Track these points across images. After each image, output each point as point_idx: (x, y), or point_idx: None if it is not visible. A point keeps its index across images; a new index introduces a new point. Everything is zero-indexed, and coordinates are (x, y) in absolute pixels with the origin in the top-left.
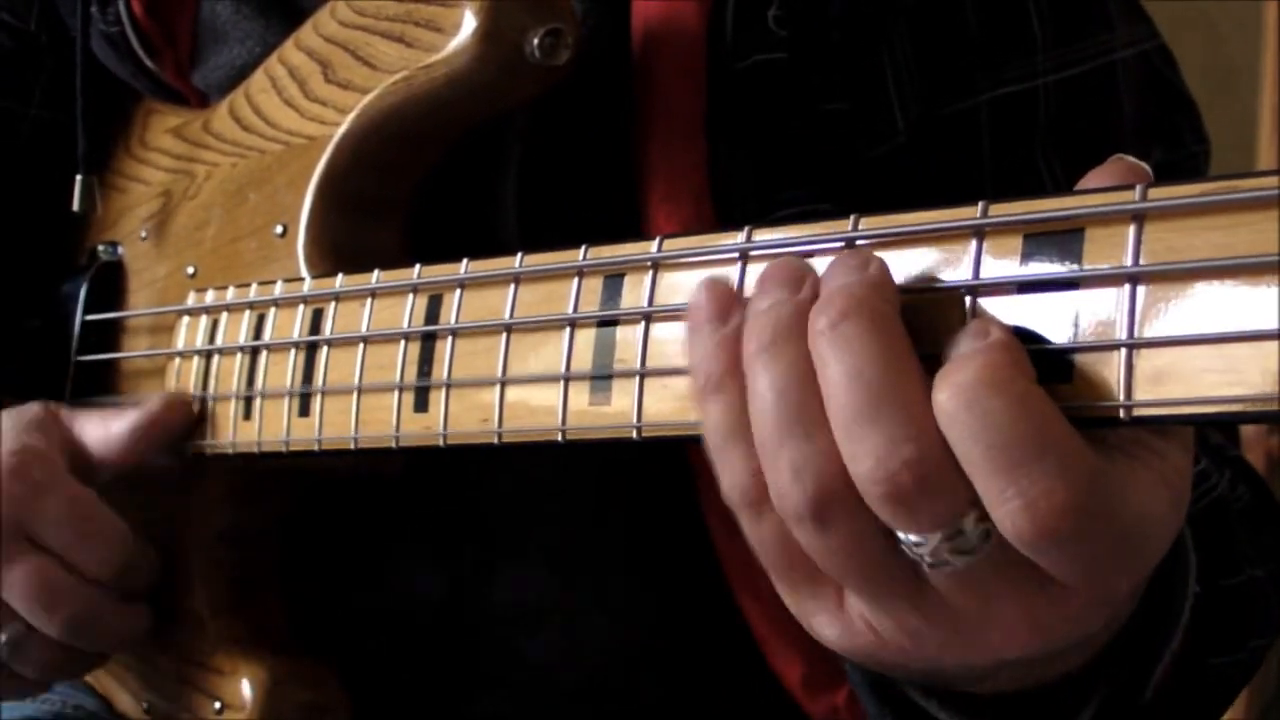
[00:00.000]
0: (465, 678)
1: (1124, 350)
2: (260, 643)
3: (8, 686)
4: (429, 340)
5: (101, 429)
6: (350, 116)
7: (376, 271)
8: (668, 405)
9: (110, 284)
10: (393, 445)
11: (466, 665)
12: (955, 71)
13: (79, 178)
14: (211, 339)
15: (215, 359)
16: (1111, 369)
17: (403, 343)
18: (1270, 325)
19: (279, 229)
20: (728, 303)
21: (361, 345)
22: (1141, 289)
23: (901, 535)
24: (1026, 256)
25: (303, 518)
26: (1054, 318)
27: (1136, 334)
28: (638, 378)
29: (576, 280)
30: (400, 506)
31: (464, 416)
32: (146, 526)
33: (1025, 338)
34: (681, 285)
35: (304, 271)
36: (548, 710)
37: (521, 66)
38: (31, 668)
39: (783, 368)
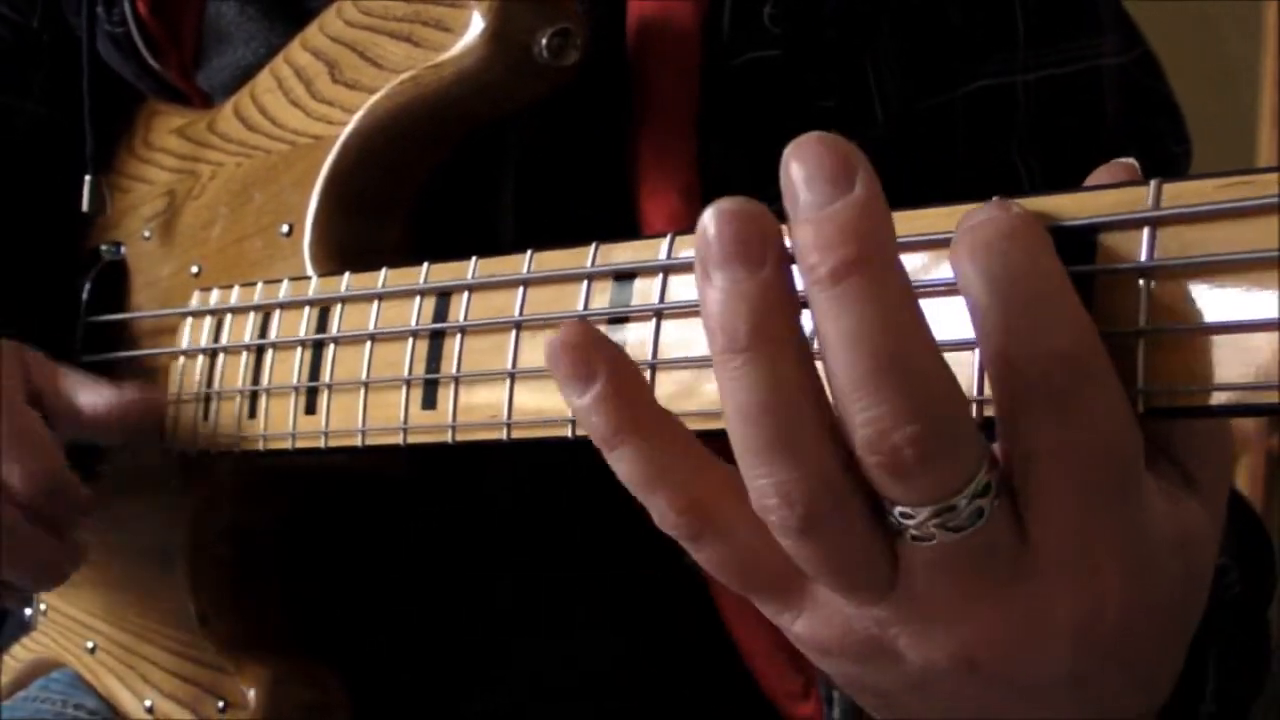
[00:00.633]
0: (464, 678)
1: (1140, 339)
2: (262, 642)
3: None
4: (437, 338)
5: (80, 389)
6: (357, 116)
7: (384, 271)
8: (678, 400)
9: (113, 284)
10: (400, 441)
11: (465, 665)
12: (937, 66)
13: (88, 178)
14: (217, 337)
15: (220, 357)
16: (1128, 355)
17: (411, 340)
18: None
19: (285, 228)
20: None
21: (369, 343)
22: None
23: (888, 507)
24: None
25: (303, 517)
26: None
27: (1151, 323)
28: (649, 372)
29: (586, 281)
30: (400, 507)
31: (473, 412)
32: (146, 526)
33: None
34: (691, 284)
35: (310, 270)
36: (545, 711)
37: (530, 67)
38: None
39: (752, 391)
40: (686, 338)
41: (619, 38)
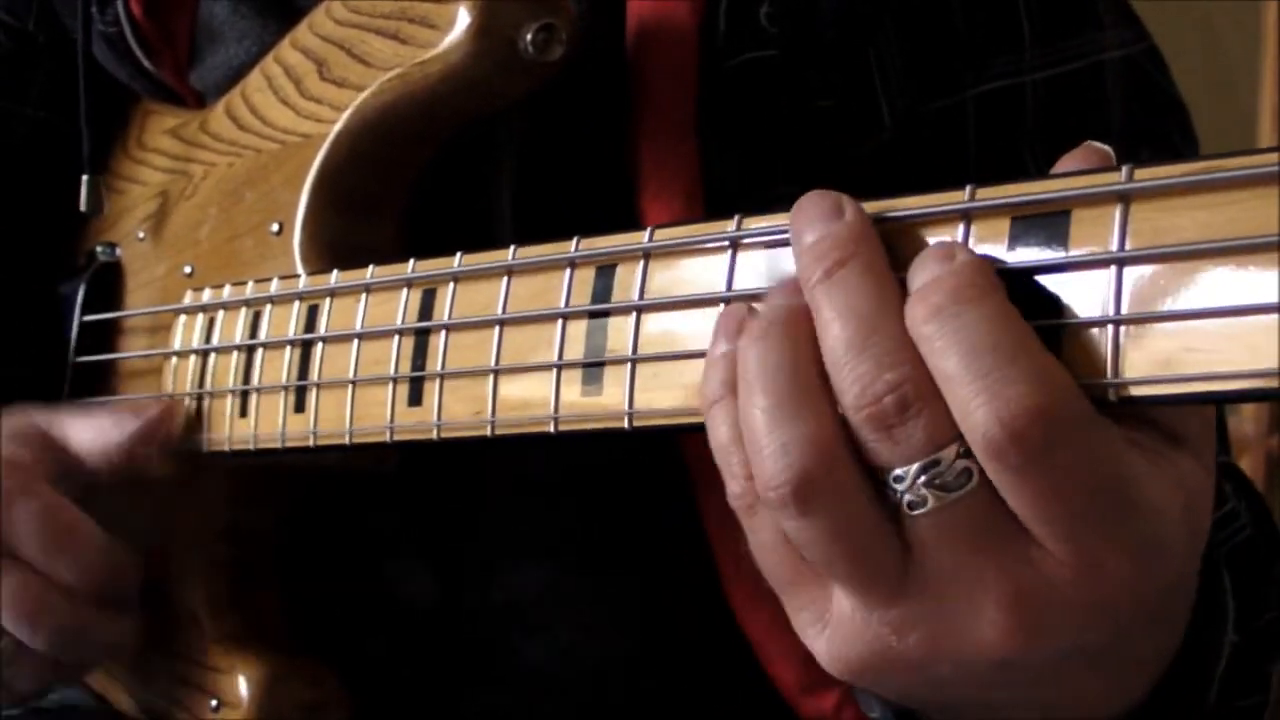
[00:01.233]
0: (462, 676)
1: (1111, 328)
2: (258, 641)
3: (4, 695)
4: (423, 335)
5: (93, 432)
6: (345, 114)
7: (371, 267)
8: (659, 395)
9: (108, 285)
10: (387, 439)
11: (464, 663)
12: (942, 67)
13: (85, 178)
14: (208, 337)
15: (212, 357)
16: (1100, 347)
17: (397, 338)
18: (1268, 300)
19: (275, 227)
20: (740, 321)
21: (356, 341)
22: (1128, 270)
23: (885, 475)
24: (1014, 239)
25: (301, 517)
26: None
27: (1123, 312)
28: (629, 365)
29: (569, 271)
30: (398, 505)
31: (457, 409)
32: (144, 526)
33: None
34: (673, 275)
35: (300, 269)
36: (545, 709)
37: (515, 62)
38: (24, 680)
39: (768, 354)
40: (667, 329)
41: (618, 38)
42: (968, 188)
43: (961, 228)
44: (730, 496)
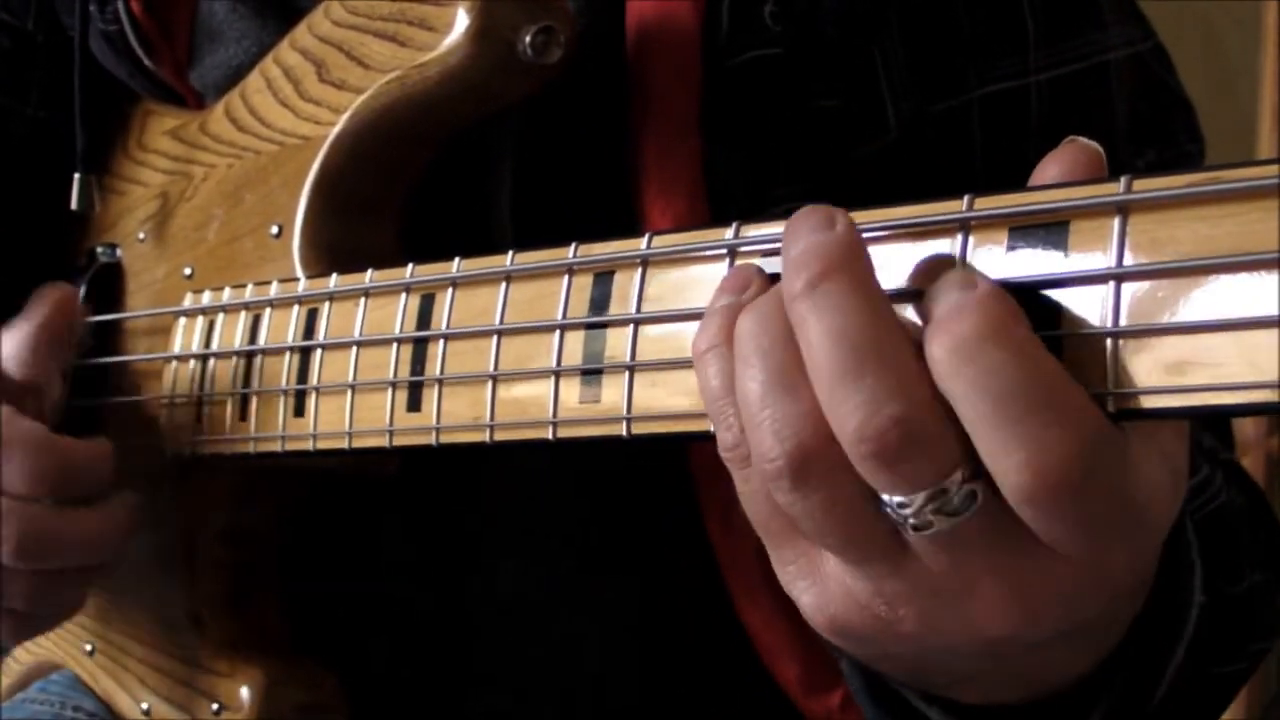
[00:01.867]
0: (462, 676)
1: (1110, 340)
2: (258, 643)
3: (6, 628)
4: (422, 342)
5: (11, 342)
6: (344, 116)
7: (370, 271)
8: (657, 402)
9: (108, 286)
10: (386, 443)
11: (464, 664)
12: (947, 69)
13: (77, 175)
14: (208, 340)
15: (211, 360)
16: (1099, 358)
17: (395, 345)
18: (1268, 312)
19: (274, 229)
20: (747, 279)
21: (355, 348)
22: (1126, 284)
23: (885, 498)
24: (1012, 249)
25: (301, 518)
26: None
27: (1122, 324)
28: (627, 373)
29: (566, 278)
30: (398, 506)
31: (456, 415)
32: (142, 529)
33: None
34: (670, 282)
35: (299, 272)
36: (545, 709)
37: (514, 64)
38: (17, 601)
39: (766, 329)
40: (666, 333)
41: (617, 39)
42: (966, 197)
43: (960, 237)
44: (721, 447)
